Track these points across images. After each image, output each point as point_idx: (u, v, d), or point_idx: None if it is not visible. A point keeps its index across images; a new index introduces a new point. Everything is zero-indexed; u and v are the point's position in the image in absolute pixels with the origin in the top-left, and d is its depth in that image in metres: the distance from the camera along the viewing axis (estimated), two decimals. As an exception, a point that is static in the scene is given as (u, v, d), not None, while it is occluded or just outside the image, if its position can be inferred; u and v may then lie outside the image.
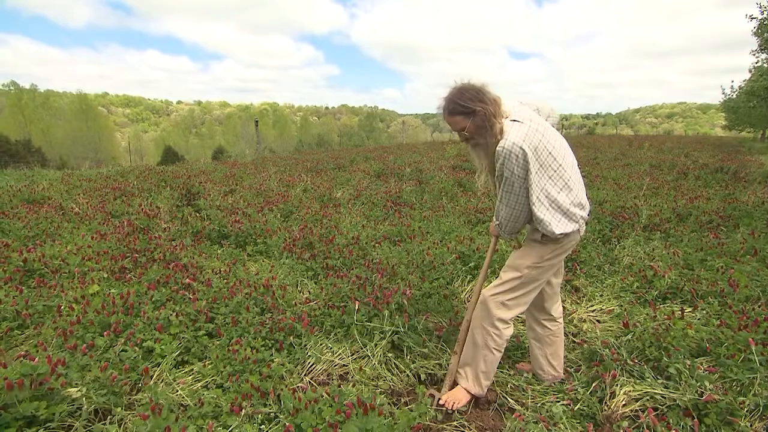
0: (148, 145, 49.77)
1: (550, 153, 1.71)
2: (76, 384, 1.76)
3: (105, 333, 2.27)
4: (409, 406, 1.97)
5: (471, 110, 1.66)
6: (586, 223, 1.96)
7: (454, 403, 1.93)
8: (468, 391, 1.96)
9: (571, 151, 1.87)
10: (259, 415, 1.76)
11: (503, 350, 1.94)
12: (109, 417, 1.78)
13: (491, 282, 1.99)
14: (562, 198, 1.74)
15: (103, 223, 4.57)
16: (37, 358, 1.79)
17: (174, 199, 5.52)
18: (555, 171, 1.73)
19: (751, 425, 1.85)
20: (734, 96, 19.06)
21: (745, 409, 1.90)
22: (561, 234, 1.76)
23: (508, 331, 1.89)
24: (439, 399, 1.97)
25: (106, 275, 3.18)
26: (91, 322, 2.38)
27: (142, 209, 4.93)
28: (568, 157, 1.81)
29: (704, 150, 13.54)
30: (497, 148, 1.67)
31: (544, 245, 1.84)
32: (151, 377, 2.08)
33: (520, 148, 1.64)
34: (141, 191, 6.32)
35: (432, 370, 2.28)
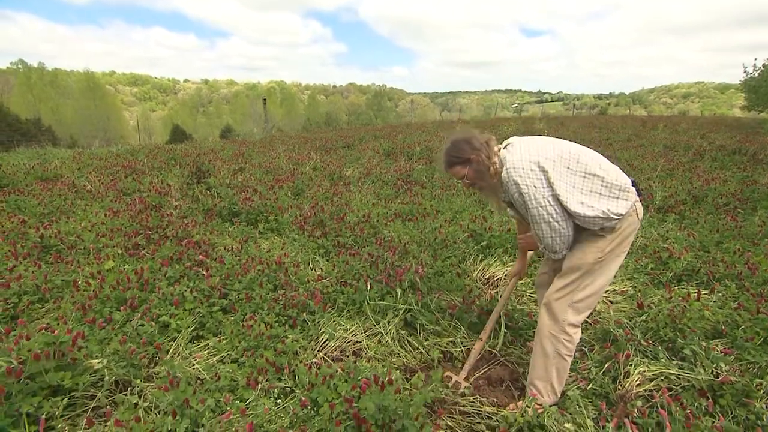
0: (156, 124, 49.75)
1: (553, 150, 1.72)
2: (97, 356, 1.80)
3: (122, 308, 2.30)
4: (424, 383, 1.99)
5: (466, 159, 1.76)
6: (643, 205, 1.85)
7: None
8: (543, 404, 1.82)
9: (574, 144, 1.84)
10: (275, 389, 1.78)
11: (573, 354, 1.84)
12: (129, 388, 1.82)
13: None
14: (593, 185, 1.68)
15: (116, 200, 4.60)
16: (57, 331, 1.83)
17: (184, 177, 5.53)
18: (569, 162, 1.70)
19: (766, 407, 1.84)
20: (756, 75, 18.36)
21: (761, 391, 1.89)
22: (617, 215, 1.68)
23: (579, 335, 1.79)
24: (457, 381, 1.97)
25: (120, 251, 3.22)
26: (108, 297, 2.42)
27: (153, 187, 4.95)
28: (572, 147, 1.77)
29: (721, 131, 13.16)
30: (503, 177, 1.73)
31: (603, 237, 1.74)
32: (167, 352, 2.12)
33: (522, 161, 1.68)
34: (151, 169, 6.35)
35: (445, 347, 2.29)
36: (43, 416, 1.43)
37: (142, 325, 2.17)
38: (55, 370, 1.61)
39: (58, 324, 2.11)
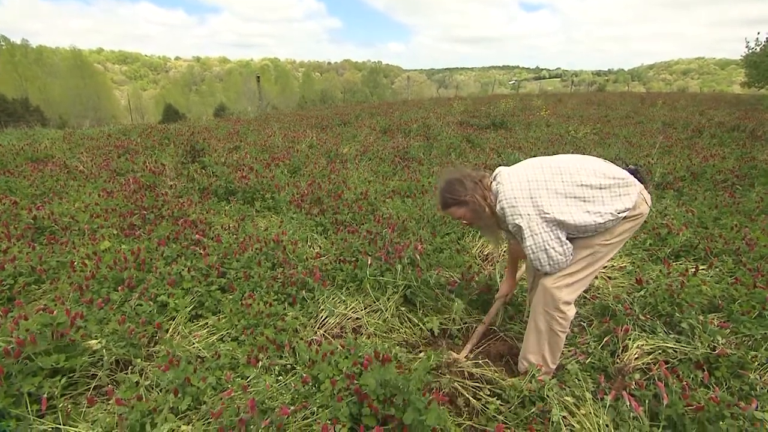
0: (148, 103, 48.76)
1: (542, 171, 1.70)
2: (96, 336, 1.79)
3: (119, 288, 2.28)
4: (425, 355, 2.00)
5: (462, 201, 1.77)
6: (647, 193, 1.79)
7: None
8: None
9: (562, 156, 1.82)
10: (276, 367, 1.79)
11: (567, 330, 1.85)
12: (130, 367, 1.82)
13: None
14: (593, 192, 1.65)
15: (109, 180, 4.53)
16: (55, 311, 1.81)
17: (178, 156, 5.43)
18: (562, 177, 1.67)
19: (760, 378, 1.87)
20: (758, 50, 18.07)
21: (756, 363, 1.92)
22: (626, 210, 1.67)
23: (572, 312, 1.79)
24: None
25: (115, 232, 3.18)
26: (105, 277, 2.40)
27: (147, 167, 4.86)
28: (561, 162, 1.74)
29: (720, 108, 13.05)
30: (498, 209, 1.73)
31: (620, 223, 1.72)
32: (167, 330, 2.12)
33: (513, 191, 1.68)
34: (144, 149, 6.23)
35: (445, 324, 2.30)
36: (45, 395, 1.42)
37: (141, 305, 2.16)
38: (54, 351, 1.60)
39: (56, 305, 2.09)
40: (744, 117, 10.29)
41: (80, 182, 4.50)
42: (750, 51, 18.74)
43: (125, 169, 5.05)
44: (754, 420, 1.59)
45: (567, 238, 1.71)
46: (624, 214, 1.68)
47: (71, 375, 1.67)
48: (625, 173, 1.73)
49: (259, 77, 16.86)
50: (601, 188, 1.66)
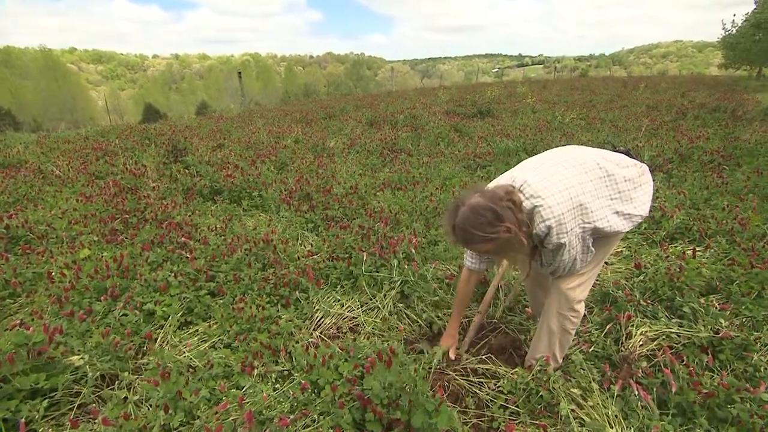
0: (127, 103, 47.44)
1: (572, 170, 1.47)
2: (78, 351, 1.68)
3: (102, 298, 2.16)
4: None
5: (494, 238, 1.32)
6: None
7: None
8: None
9: (581, 151, 1.63)
10: (273, 374, 1.70)
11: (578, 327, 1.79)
12: (117, 382, 1.71)
13: None
14: (619, 186, 1.53)
15: (87, 184, 4.35)
16: (32, 327, 1.69)
17: (160, 156, 5.25)
18: (589, 175, 1.48)
19: (763, 359, 1.85)
20: (734, 31, 18.34)
21: (758, 344, 1.90)
22: (650, 201, 1.60)
23: (584, 308, 1.72)
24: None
25: (96, 238, 3.03)
26: (86, 287, 2.27)
27: (128, 169, 4.68)
28: (581, 156, 1.57)
29: (700, 90, 13.22)
30: (542, 228, 1.41)
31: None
32: (155, 340, 2.01)
33: (562, 203, 1.39)
34: (124, 150, 6.02)
35: (445, 320, 2.24)
36: (23, 420, 1.32)
37: (126, 315, 2.05)
38: (30, 371, 1.49)
39: (33, 319, 1.96)
40: (723, 98, 10.43)
41: (57, 187, 4.30)
42: (726, 33, 19.02)
43: (104, 172, 4.86)
44: (761, 402, 1.57)
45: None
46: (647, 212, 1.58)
47: (52, 395, 1.56)
48: (638, 162, 1.65)
49: (240, 73, 16.49)
50: (625, 180, 1.53)
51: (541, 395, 1.65)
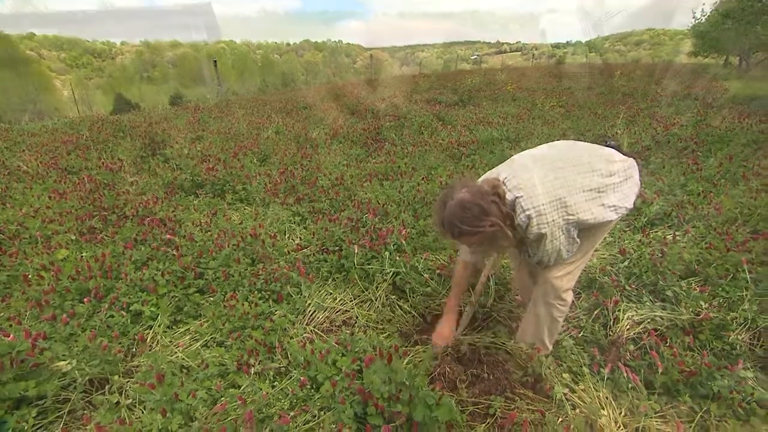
0: (95, 93, 45.36)
1: (556, 164, 1.53)
2: (64, 356, 1.62)
3: (85, 299, 2.09)
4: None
5: (481, 231, 1.41)
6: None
7: None
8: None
9: (563, 143, 1.69)
10: (270, 371, 1.69)
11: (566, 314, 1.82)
12: (107, 386, 1.66)
13: None
14: (603, 179, 1.56)
15: (60, 180, 4.16)
16: (12, 334, 1.61)
17: (137, 149, 5.07)
18: (577, 168, 1.53)
19: (739, 337, 1.95)
20: (703, 20, 18.83)
21: (734, 324, 2.00)
22: (638, 192, 1.64)
23: (572, 297, 1.75)
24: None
25: (73, 237, 2.91)
26: (67, 288, 2.18)
27: (103, 163, 4.50)
28: (569, 150, 1.62)
29: (672, 77, 13.60)
30: (522, 219, 1.48)
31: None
32: (145, 341, 1.96)
33: (543, 194, 1.46)
34: (96, 144, 5.77)
35: (437, 311, 2.26)
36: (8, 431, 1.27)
37: (112, 316, 1.98)
38: (16, 380, 1.43)
39: (11, 325, 1.87)
40: (693, 85, 10.76)
41: (25, 184, 4.10)
42: (696, 21, 19.50)
43: (77, 166, 4.66)
44: (739, 379, 1.66)
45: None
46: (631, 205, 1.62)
47: (40, 403, 1.50)
48: (623, 157, 1.67)
49: (215, 61, 15.98)
50: (611, 175, 1.56)
51: (536, 379, 1.70)
